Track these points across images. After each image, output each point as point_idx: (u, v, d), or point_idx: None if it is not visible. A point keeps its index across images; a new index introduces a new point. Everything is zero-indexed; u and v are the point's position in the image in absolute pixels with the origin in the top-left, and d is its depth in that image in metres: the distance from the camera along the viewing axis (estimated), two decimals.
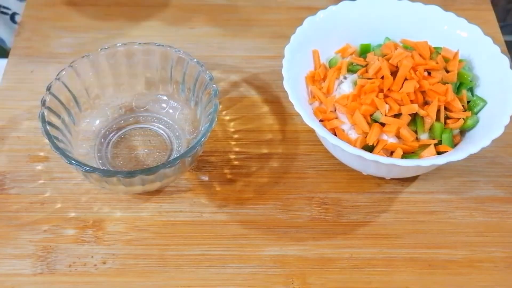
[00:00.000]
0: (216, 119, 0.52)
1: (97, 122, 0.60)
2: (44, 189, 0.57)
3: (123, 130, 0.60)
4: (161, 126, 0.61)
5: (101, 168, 0.56)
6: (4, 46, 0.81)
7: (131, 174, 0.49)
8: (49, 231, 0.54)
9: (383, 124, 0.54)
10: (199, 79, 0.56)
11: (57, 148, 0.50)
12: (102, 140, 0.59)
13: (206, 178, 0.58)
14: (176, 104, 0.61)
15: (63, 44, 0.68)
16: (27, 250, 0.53)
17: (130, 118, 0.61)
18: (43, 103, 0.52)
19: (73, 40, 0.69)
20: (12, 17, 0.80)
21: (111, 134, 0.60)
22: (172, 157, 0.58)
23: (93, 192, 0.57)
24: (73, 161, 0.49)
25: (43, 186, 0.57)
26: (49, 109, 0.53)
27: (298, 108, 0.52)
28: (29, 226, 0.54)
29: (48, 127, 0.51)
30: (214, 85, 0.54)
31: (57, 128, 0.53)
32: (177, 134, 0.60)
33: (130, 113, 0.61)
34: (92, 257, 0.53)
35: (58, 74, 0.55)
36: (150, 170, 0.49)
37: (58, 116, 0.54)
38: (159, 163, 0.53)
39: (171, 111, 0.61)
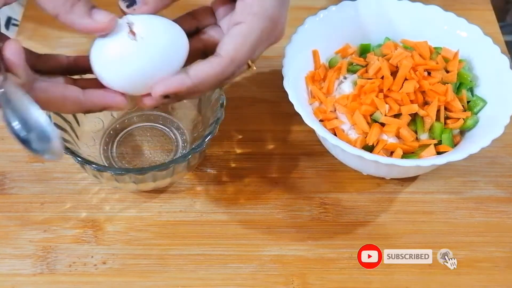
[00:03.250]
0: (224, 113, 0.52)
1: (101, 121, 0.60)
2: (44, 189, 0.57)
3: (128, 129, 0.60)
4: (166, 124, 0.61)
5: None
6: None
7: (143, 171, 0.50)
8: (49, 231, 0.54)
9: (383, 124, 0.54)
10: None
11: (66, 149, 0.50)
12: (107, 139, 0.59)
13: (211, 170, 0.58)
14: (180, 101, 0.60)
15: (63, 44, 0.68)
16: (27, 250, 0.53)
17: (134, 117, 0.61)
18: None
19: (73, 40, 0.69)
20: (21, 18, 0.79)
21: (116, 134, 0.60)
22: (177, 155, 0.58)
23: (93, 192, 0.57)
24: (85, 161, 0.49)
25: (43, 186, 0.57)
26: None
27: (298, 108, 0.52)
28: (29, 226, 0.54)
29: None
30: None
31: (63, 129, 0.53)
32: (181, 131, 0.60)
33: (134, 112, 0.61)
34: (92, 257, 0.53)
35: None
36: (162, 166, 0.50)
37: (63, 117, 0.54)
38: (166, 161, 0.53)
39: (175, 108, 0.61)
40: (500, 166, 0.59)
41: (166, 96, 0.44)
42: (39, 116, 0.36)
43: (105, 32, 0.43)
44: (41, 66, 0.44)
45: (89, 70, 0.45)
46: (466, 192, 0.58)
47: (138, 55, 0.43)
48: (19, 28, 0.70)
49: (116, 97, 0.44)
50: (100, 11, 0.43)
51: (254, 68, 0.47)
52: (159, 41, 0.43)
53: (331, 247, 0.54)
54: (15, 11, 0.78)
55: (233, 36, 0.43)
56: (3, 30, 0.79)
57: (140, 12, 0.43)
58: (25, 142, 0.36)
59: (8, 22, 0.79)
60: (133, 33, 0.43)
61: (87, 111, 0.44)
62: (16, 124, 0.36)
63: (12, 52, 0.38)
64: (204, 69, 0.43)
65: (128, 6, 0.43)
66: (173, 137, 0.60)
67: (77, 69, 0.45)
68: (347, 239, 0.54)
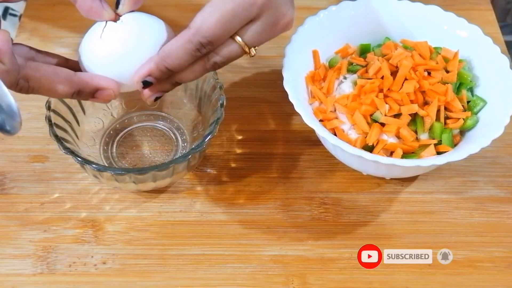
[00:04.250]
0: (224, 113, 0.52)
1: (101, 121, 0.60)
2: (44, 189, 0.57)
3: (128, 129, 0.60)
4: (166, 124, 0.61)
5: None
6: None
7: (143, 171, 0.50)
8: (49, 231, 0.54)
9: (383, 124, 0.54)
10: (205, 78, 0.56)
11: (66, 148, 0.50)
12: (107, 139, 0.59)
13: (211, 170, 0.58)
14: (180, 101, 0.61)
15: (63, 44, 0.68)
16: (27, 250, 0.53)
17: (134, 117, 0.61)
18: (48, 106, 0.52)
19: (73, 40, 0.69)
20: (20, 16, 0.80)
21: (116, 134, 0.60)
22: (177, 155, 0.58)
23: (93, 192, 0.57)
24: (85, 161, 0.49)
25: (43, 186, 0.57)
26: (54, 111, 0.52)
27: (298, 108, 0.52)
28: (29, 226, 0.54)
29: (55, 129, 0.51)
30: (217, 79, 0.54)
31: (63, 129, 0.53)
32: (181, 131, 0.60)
33: (134, 112, 0.61)
34: (92, 257, 0.53)
35: None
36: (162, 166, 0.50)
37: (63, 117, 0.54)
38: (166, 161, 0.53)
39: (175, 108, 0.61)
40: (500, 166, 0.60)
41: (147, 83, 0.45)
42: (10, 100, 0.38)
43: (105, 20, 0.45)
44: (40, 60, 0.45)
45: None
46: (466, 192, 0.58)
47: (121, 45, 0.45)
48: (19, 28, 0.70)
49: (108, 79, 0.45)
50: (106, 3, 0.45)
51: (253, 53, 0.47)
52: (140, 32, 0.45)
53: (331, 247, 0.54)
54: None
55: (204, 8, 0.44)
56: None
57: (128, 5, 0.45)
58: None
59: (6, 11, 0.79)
60: (117, 15, 0.45)
61: (79, 91, 0.45)
62: None
63: None
64: (170, 42, 0.45)
65: (117, 7, 0.45)
66: (173, 137, 0.60)
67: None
68: (347, 239, 0.54)
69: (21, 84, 0.42)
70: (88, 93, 0.45)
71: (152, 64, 0.44)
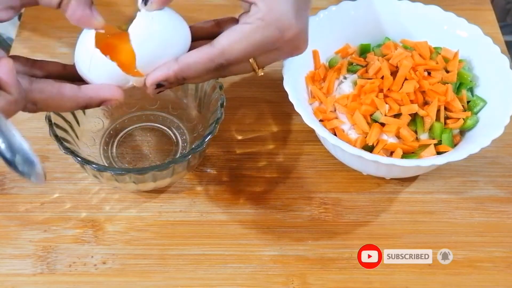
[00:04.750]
0: (223, 113, 0.52)
1: (101, 121, 0.60)
2: (44, 189, 0.57)
3: (128, 129, 0.60)
4: (166, 124, 0.61)
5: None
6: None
7: (143, 171, 0.50)
8: (49, 231, 0.54)
9: (383, 124, 0.54)
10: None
11: (66, 148, 0.50)
12: (107, 139, 0.59)
13: (211, 170, 0.58)
14: (180, 101, 0.61)
15: (63, 44, 0.68)
16: (27, 250, 0.53)
17: (134, 117, 0.61)
18: None
19: (73, 40, 0.69)
20: (20, 16, 0.80)
21: (116, 134, 0.60)
22: (177, 155, 0.58)
23: (93, 192, 0.57)
24: (85, 161, 0.49)
25: (43, 186, 0.57)
26: (54, 111, 0.52)
27: (298, 108, 0.52)
28: (29, 226, 0.54)
29: (55, 129, 0.51)
30: (217, 79, 0.54)
31: (63, 129, 0.53)
32: (181, 131, 0.60)
33: (134, 112, 0.61)
34: (92, 257, 0.53)
35: None
36: (162, 166, 0.50)
37: (63, 117, 0.54)
38: (166, 161, 0.53)
39: (175, 108, 0.61)
40: (500, 166, 0.59)
41: (159, 85, 0.45)
42: (23, 142, 0.37)
43: (94, 29, 0.45)
44: (37, 71, 0.45)
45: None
46: (466, 192, 0.58)
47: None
48: (19, 28, 0.70)
49: (111, 89, 0.45)
50: (97, 11, 0.45)
51: (261, 73, 0.48)
52: (158, 28, 0.45)
53: (331, 247, 0.54)
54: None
55: (233, 31, 0.44)
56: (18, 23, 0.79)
57: (157, 4, 0.45)
58: (11, 164, 0.37)
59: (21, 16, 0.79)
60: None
61: (85, 107, 0.45)
62: (2, 146, 0.37)
63: (4, 72, 0.39)
64: (192, 55, 0.45)
65: (145, 4, 0.44)
66: (173, 137, 0.60)
67: (72, 77, 0.46)
68: (347, 239, 0.54)
69: (29, 107, 0.43)
70: (95, 105, 0.46)
71: (171, 72, 0.45)
